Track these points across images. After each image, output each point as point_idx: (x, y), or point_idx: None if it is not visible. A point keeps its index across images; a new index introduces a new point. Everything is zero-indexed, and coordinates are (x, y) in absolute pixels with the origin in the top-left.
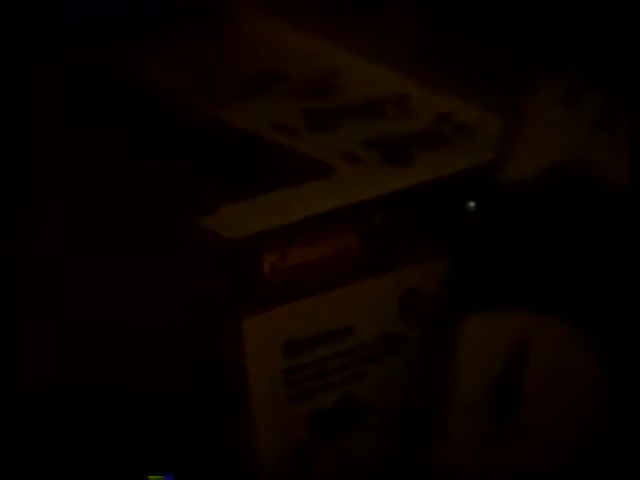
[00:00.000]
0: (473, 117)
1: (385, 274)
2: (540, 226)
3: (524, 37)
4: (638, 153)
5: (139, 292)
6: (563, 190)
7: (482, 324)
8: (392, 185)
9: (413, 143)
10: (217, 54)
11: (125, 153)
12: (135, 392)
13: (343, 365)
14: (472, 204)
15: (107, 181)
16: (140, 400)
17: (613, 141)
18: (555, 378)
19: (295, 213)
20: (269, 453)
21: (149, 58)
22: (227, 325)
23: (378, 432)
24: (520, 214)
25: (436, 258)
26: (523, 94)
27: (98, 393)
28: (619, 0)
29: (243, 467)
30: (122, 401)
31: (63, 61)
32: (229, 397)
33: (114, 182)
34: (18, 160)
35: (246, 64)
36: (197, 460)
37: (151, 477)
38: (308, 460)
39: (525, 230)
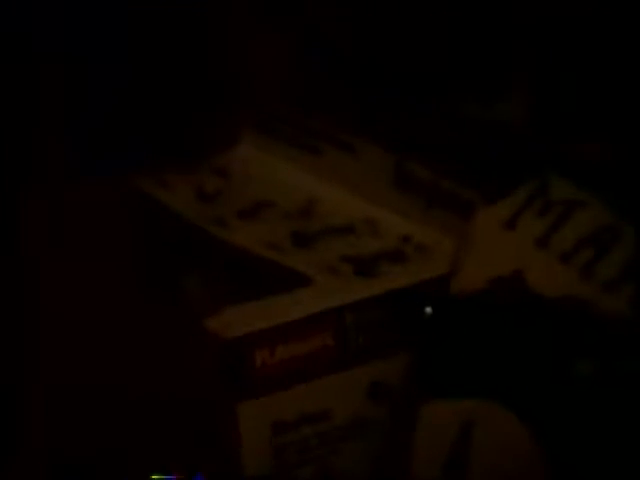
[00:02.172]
0: (431, 239)
1: (356, 367)
2: (485, 328)
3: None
4: (572, 265)
5: (158, 382)
6: (504, 298)
7: (437, 409)
8: (362, 293)
9: (380, 259)
10: (220, 184)
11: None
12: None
13: (321, 442)
14: (429, 309)
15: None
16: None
17: (547, 256)
18: (497, 456)
19: (282, 316)
20: None
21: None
22: (226, 408)
23: None
24: (469, 318)
25: (399, 354)
26: (472, 218)
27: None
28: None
29: None
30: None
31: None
32: (225, 469)
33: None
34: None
35: (244, 192)
36: None
37: (154, 477)
38: None
39: (472, 331)
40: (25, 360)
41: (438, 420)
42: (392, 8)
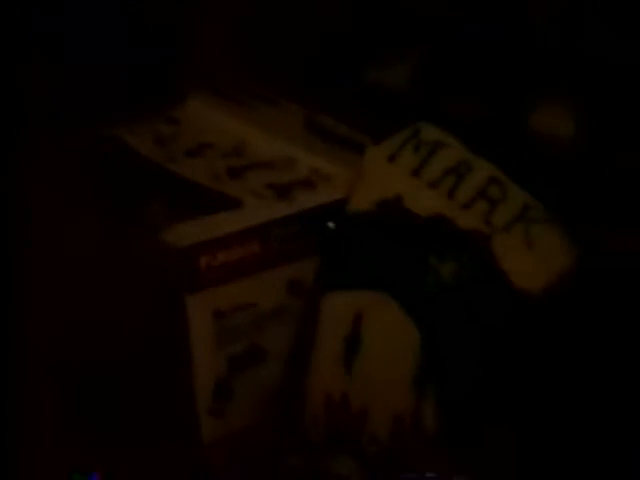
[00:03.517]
0: (333, 171)
1: (277, 268)
2: (372, 237)
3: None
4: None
5: (125, 285)
6: (387, 215)
7: (335, 300)
8: (281, 212)
9: (294, 186)
10: (173, 130)
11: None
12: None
13: (250, 326)
14: (331, 224)
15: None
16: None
17: (420, 184)
18: (382, 338)
19: (220, 230)
20: (203, 384)
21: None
22: (178, 300)
23: (275, 370)
24: (360, 230)
25: (310, 258)
26: (364, 154)
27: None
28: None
29: (184, 394)
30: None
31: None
32: (176, 346)
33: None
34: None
35: (191, 137)
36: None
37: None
38: (227, 389)
39: (363, 240)
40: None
41: (335, 308)
42: None
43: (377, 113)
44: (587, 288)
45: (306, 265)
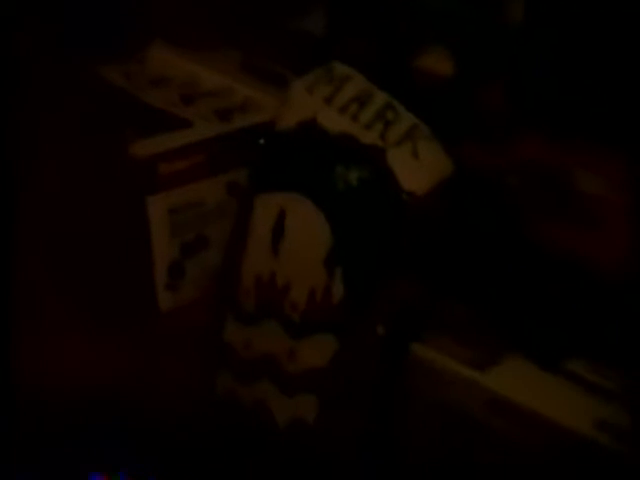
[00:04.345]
0: (264, 98)
1: (219, 175)
2: (293, 148)
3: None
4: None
5: (98, 190)
6: (304, 134)
7: (263, 199)
8: (223, 130)
9: (234, 110)
10: (140, 68)
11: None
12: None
13: (198, 221)
14: (262, 140)
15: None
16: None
17: (331, 109)
18: (301, 227)
19: (175, 144)
20: (160, 265)
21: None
22: (140, 200)
23: (217, 254)
24: (283, 144)
25: (245, 165)
26: (289, 85)
27: None
28: None
29: (145, 273)
30: None
31: None
32: (139, 236)
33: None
34: None
35: (154, 72)
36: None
37: None
38: (180, 269)
39: (286, 150)
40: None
41: (264, 206)
42: None
43: (299, 53)
44: (458, 193)
45: (242, 172)
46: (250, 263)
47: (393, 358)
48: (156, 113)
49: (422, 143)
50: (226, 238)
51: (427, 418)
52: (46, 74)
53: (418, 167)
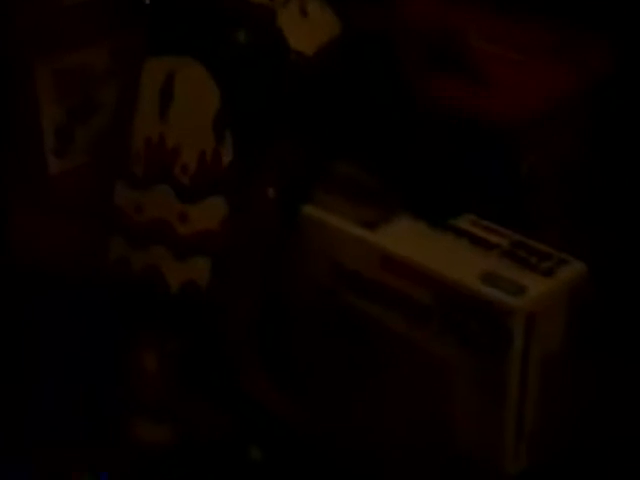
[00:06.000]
0: None
1: (106, 38)
2: (180, 14)
3: None
4: None
5: None
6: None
7: (153, 64)
8: None
9: None
10: None
11: None
12: None
13: (86, 85)
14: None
15: None
16: None
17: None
18: (189, 90)
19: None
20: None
21: None
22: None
23: (107, 119)
24: (174, 6)
25: (132, 28)
26: None
27: None
28: None
29: (34, 139)
30: None
31: None
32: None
33: None
34: None
35: None
36: None
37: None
38: (68, 135)
39: (176, 14)
40: None
41: (153, 69)
42: None
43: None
44: (346, 52)
45: (130, 35)
46: (139, 127)
47: (284, 220)
48: None
49: (312, 3)
50: (115, 103)
51: (319, 277)
52: None
53: (307, 27)
